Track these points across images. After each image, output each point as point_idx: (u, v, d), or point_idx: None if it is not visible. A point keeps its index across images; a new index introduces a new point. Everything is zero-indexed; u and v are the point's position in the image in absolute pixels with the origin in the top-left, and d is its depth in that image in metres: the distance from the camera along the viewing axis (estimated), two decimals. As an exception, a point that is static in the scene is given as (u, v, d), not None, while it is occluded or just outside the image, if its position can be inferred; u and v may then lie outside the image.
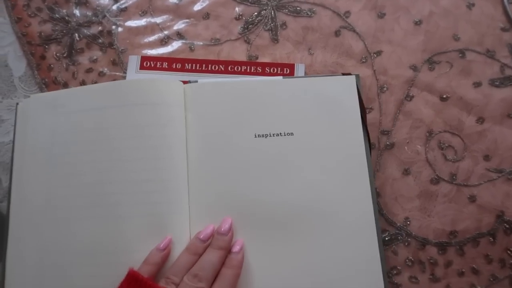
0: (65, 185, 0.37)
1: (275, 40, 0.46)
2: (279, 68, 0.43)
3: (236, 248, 0.35)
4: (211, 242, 0.35)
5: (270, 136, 0.39)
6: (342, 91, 0.41)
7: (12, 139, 0.44)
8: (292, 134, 0.39)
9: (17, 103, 0.41)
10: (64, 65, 0.46)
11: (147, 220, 0.35)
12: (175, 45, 0.46)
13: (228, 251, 0.35)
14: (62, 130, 0.38)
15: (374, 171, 0.42)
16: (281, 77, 0.41)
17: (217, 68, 0.43)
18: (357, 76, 0.41)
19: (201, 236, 0.35)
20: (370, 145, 0.40)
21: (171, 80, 0.39)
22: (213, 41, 0.46)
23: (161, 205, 0.36)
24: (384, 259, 0.37)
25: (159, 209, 0.36)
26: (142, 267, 0.33)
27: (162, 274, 0.33)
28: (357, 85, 0.41)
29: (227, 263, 0.34)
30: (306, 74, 0.44)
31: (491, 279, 0.40)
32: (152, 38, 0.47)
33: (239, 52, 0.46)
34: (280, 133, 0.39)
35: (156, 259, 0.33)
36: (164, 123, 0.37)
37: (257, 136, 0.39)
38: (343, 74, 0.42)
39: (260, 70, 0.43)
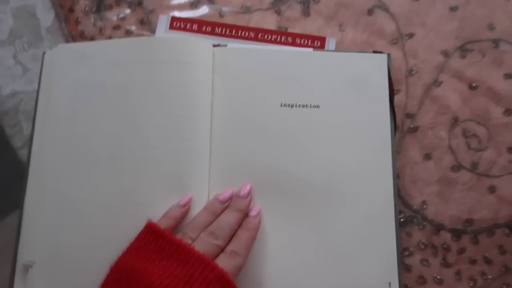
0: (88, 136, 0.37)
1: (306, 13, 0.45)
2: (310, 40, 0.42)
3: (253, 212, 0.35)
4: (230, 204, 0.35)
5: (296, 106, 0.39)
6: (372, 69, 0.40)
7: (35, 88, 0.44)
8: (318, 107, 0.39)
9: (44, 52, 0.41)
10: (92, 20, 0.46)
11: (167, 177, 0.35)
12: (205, 9, 0.46)
13: (245, 214, 0.35)
14: (88, 81, 0.38)
15: (396, 153, 0.42)
16: (311, 49, 0.41)
17: (247, 34, 0.42)
18: (389, 55, 0.41)
19: (220, 198, 0.35)
20: (395, 127, 0.40)
21: (201, 41, 0.38)
22: (243, 8, 0.46)
23: (181, 164, 0.36)
24: (399, 240, 0.37)
25: (180, 167, 0.36)
26: (160, 220, 0.33)
27: (179, 229, 0.34)
28: (387, 64, 0.40)
29: (244, 225, 0.34)
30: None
31: (503, 270, 0.40)
32: (182, 0, 0.46)
33: (268, 23, 0.45)
34: (306, 105, 0.39)
35: (175, 214, 0.33)
36: (191, 83, 0.37)
37: (283, 105, 0.39)
38: (374, 52, 0.41)
39: (291, 40, 0.42)
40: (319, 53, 0.40)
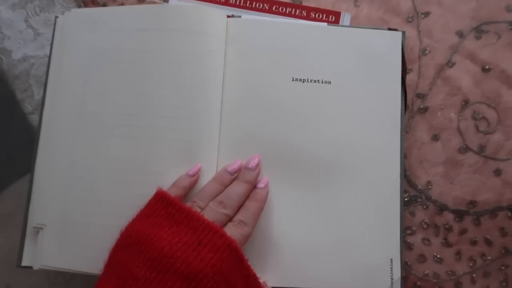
0: (99, 102, 0.37)
1: (322, -13, 0.45)
2: (324, 15, 0.42)
3: (261, 184, 0.35)
4: (238, 176, 0.35)
5: (307, 81, 0.38)
6: (386, 46, 0.40)
7: (47, 53, 0.44)
8: (329, 82, 0.39)
9: (56, 17, 0.40)
10: (105, -14, 0.45)
11: (177, 146, 0.36)
12: (219, -21, 0.45)
13: (253, 186, 0.35)
14: (100, 47, 0.38)
15: (404, 132, 0.42)
16: (326, 24, 0.40)
17: (261, 6, 0.42)
18: (403, 33, 0.40)
19: (229, 169, 0.35)
20: (405, 106, 0.40)
21: (216, 11, 0.38)
22: (258, -20, 0.45)
23: (191, 134, 0.36)
24: (402, 219, 0.38)
25: (190, 137, 0.36)
26: (170, 189, 0.33)
27: (188, 198, 0.34)
28: (402, 42, 0.40)
29: (252, 196, 0.34)
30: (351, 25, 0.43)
31: (503, 252, 0.41)
32: (196, -30, 0.45)
33: (283, -5, 0.45)
34: (318, 80, 0.39)
35: (185, 183, 0.34)
36: (204, 53, 0.37)
37: (294, 79, 0.38)
38: (389, 29, 0.40)
39: (305, 14, 0.42)
40: (333, 28, 0.40)
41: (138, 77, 0.37)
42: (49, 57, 0.40)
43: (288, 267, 0.36)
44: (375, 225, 0.37)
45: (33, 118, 0.43)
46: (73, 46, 0.39)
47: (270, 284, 0.35)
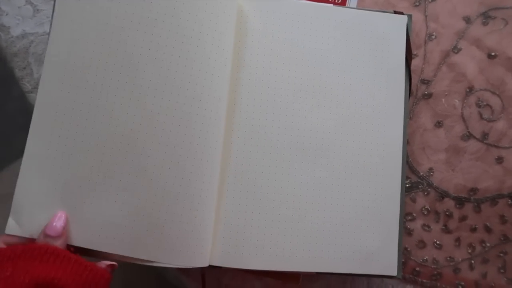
0: (98, 82, 0.36)
1: (328, -32, 0.44)
2: (331, -4, 0.41)
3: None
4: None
5: (312, 62, 0.38)
6: (391, 30, 0.39)
7: (46, 30, 0.43)
8: (333, 63, 0.38)
9: None
10: (106, -38, 0.44)
11: (182, 119, 0.34)
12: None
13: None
14: (99, 20, 0.36)
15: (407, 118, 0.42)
16: (332, 4, 0.39)
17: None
18: (409, 17, 0.40)
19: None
20: (410, 90, 0.40)
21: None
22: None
23: (196, 117, 0.35)
24: (403, 204, 0.38)
25: (195, 119, 0.35)
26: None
27: None
28: (407, 26, 0.39)
29: None
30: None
31: (502, 239, 0.41)
32: None
33: (288, -24, 0.44)
34: (322, 61, 0.38)
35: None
36: (212, 30, 0.36)
37: (300, 60, 0.38)
38: (395, 12, 0.40)
39: (311, -5, 0.41)
40: (339, 9, 0.39)
41: (137, 47, 0.35)
42: (49, 34, 0.39)
43: (288, 251, 0.36)
44: (375, 210, 0.37)
45: (32, 97, 0.43)
46: (73, 23, 0.37)
47: (268, 267, 0.35)
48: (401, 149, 0.38)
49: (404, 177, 0.38)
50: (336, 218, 0.37)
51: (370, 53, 0.39)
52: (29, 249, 0.30)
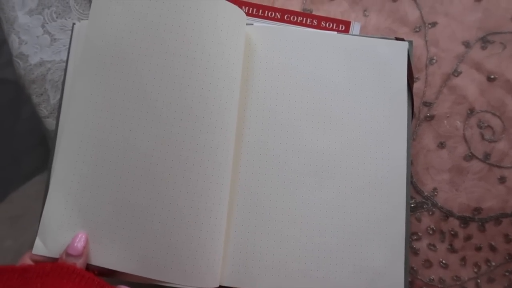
0: (120, 91, 0.37)
1: (331, -4, 0.46)
2: (335, 24, 0.43)
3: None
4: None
5: (316, 87, 0.40)
6: (393, 55, 0.41)
7: (62, 58, 0.45)
8: (338, 88, 0.40)
9: (74, 23, 0.41)
10: (120, -7, 0.46)
11: (197, 132, 0.36)
12: (231, -12, 0.46)
13: None
14: (120, 32, 0.37)
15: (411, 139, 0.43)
16: (335, 32, 0.41)
17: (273, 15, 0.43)
18: (410, 43, 0.42)
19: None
20: (412, 113, 0.41)
21: (239, 10, 0.38)
22: (269, -11, 0.46)
23: (207, 142, 0.37)
24: (409, 224, 0.39)
25: (207, 144, 0.36)
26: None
27: None
28: (408, 52, 0.41)
29: None
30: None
31: (507, 258, 0.41)
32: (208, -22, 0.47)
33: (293, 4, 0.46)
34: (327, 86, 0.40)
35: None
36: (222, 49, 0.37)
37: (305, 85, 0.39)
38: (397, 39, 0.42)
39: (316, 23, 0.43)
40: (343, 36, 0.41)
41: (153, 70, 0.37)
42: (66, 61, 0.41)
43: (296, 271, 0.37)
44: (381, 230, 0.38)
45: (49, 122, 0.44)
46: (96, 25, 0.37)
47: (277, 285, 0.36)
48: (405, 169, 0.39)
49: (409, 197, 0.39)
50: (343, 239, 0.38)
51: (373, 78, 0.40)
52: (57, 267, 0.32)
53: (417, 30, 0.45)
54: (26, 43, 0.45)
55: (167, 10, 0.37)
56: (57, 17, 0.46)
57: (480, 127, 0.43)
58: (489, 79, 0.44)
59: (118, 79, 0.37)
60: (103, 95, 0.37)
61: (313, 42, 0.40)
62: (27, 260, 0.35)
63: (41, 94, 0.45)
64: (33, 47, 0.45)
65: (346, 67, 0.40)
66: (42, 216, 0.36)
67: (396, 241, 0.38)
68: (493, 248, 0.42)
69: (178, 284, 0.35)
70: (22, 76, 0.45)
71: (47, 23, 0.45)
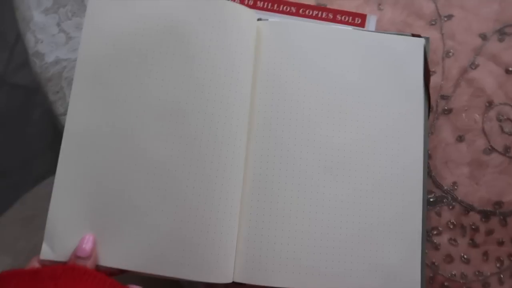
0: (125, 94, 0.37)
1: (345, -9, 0.46)
2: (350, 17, 0.43)
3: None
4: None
5: (333, 84, 0.39)
6: (409, 52, 0.40)
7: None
8: (354, 84, 0.39)
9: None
10: (134, -9, 0.46)
11: (208, 132, 0.36)
12: (245, -16, 0.46)
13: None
14: (127, 31, 0.37)
15: (429, 133, 0.43)
16: (351, 27, 0.41)
17: (288, 9, 0.43)
18: (427, 40, 0.41)
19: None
20: (429, 108, 0.40)
21: (248, 10, 0.38)
22: (283, -15, 0.46)
23: (218, 123, 0.37)
24: (425, 220, 0.38)
25: (217, 125, 0.36)
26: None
27: None
28: (425, 48, 0.41)
29: None
30: (376, 29, 0.44)
31: (530, 252, 0.41)
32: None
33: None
34: (343, 82, 0.39)
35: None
36: (232, 50, 0.37)
37: (321, 82, 0.39)
38: (413, 35, 0.41)
39: (332, 16, 0.43)
40: (359, 32, 0.40)
41: (163, 68, 0.37)
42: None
43: (310, 268, 0.36)
44: (397, 226, 0.38)
45: (65, 119, 0.44)
46: (98, 33, 0.38)
47: (291, 284, 0.35)
48: (421, 166, 0.39)
49: (425, 193, 0.39)
50: (358, 236, 0.37)
51: (389, 75, 0.40)
52: (69, 269, 0.32)
53: (433, 23, 0.45)
54: (42, 42, 0.45)
55: (172, 14, 0.37)
56: (72, 16, 0.46)
57: (500, 120, 0.43)
58: (507, 72, 0.43)
59: (119, 79, 0.37)
60: (104, 96, 0.37)
61: (328, 37, 0.40)
62: (35, 264, 0.34)
63: (57, 92, 0.45)
64: (49, 45, 0.45)
65: (361, 63, 0.40)
66: (48, 220, 0.36)
67: (412, 238, 0.38)
68: (515, 243, 0.41)
69: (191, 279, 0.34)
70: (38, 74, 0.45)
71: (63, 22, 0.46)
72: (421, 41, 0.41)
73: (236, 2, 0.44)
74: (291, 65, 0.39)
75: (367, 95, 0.39)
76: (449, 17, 0.45)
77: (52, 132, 0.99)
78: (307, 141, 0.38)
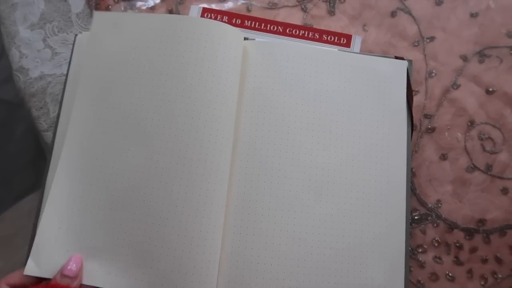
0: (115, 110, 0.38)
1: (331, 12, 0.47)
2: (336, 37, 0.43)
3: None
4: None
5: (317, 103, 0.40)
6: (393, 74, 0.41)
7: (63, 72, 0.45)
8: (338, 104, 0.40)
9: (76, 35, 0.41)
10: (122, 8, 0.47)
11: (191, 151, 0.36)
12: (233, 3, 0.47)
13: None
14: (118, 53, 0.38)
15: (413, 151, 0.43)
16: (337, 49, 0.42)
17: (275, 29, 0.44)
18: (410, 62, 0.42)
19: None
20: (412, 129, 0.41)
21: (234, 30, 0.39)
22: (270, 4, 0.47)
23: (204, 142, 0.36)
24: (408, 240, 0.38)
25: (202, 143, 0.36)
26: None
27: None
28: (408, 70, 0.42)
29: None
30: (361, 49, 0.45)
31: (513, 270, 0.41)
32: (210, -6, 0.47)
33: (294, 19, 0.46)
34: (327, 102, 0.40)
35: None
36: (218, 70, 0.38)
37: (306, 101, 0.40)
38: (396, 57, 0.42)
39: (318, 36, 0.43)
40: (344, 53, 0.41)
41: (151, 87, 0.37)
42: (67, 74, 0.41)
43: (291, 286, 0.36)
44: (381, 245, 0.38)
45: (48, 136, 0.44)
46: (92, 51, 0.39)
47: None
48: (405, 185, 0.39)
49: (409, 213, 0.39)
50: (342, 256, 0.37)
51: (373, 96, 0.41)
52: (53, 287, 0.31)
53: (416, 44, 0.46)
54: (26, 57, 0.45)
55: (161, 35, 0.38)
56: (58, 31, 0.46)
57: (481, 139, 0.44)
58: (488, 92, 0.45)
59: (112, 101, 0.38)
60: (98, 118, 0.38)
61: (314, 58, 0.40)
62: (3, 286, 0.34)
63: (41, 108, 0.44)
64: (33, 61, 0.45)
65: (346, 83, 0.41)
66: (36, 235, 0.36)
67: (395, 257, 0.38)
68: (499, 260, 0.41)
69: None
70: (22, 89, 0.44)
71: (49, 37, 0.45)
72: (404, 63, 0.42)
73: (224, 21, 0.45)
74: (277, 84, 0.39)
75: (351, 116, 0.40)
76: (432, 38, 0.46)
77: (34, 148, 0.98)
78: (292, 160, 0.38)
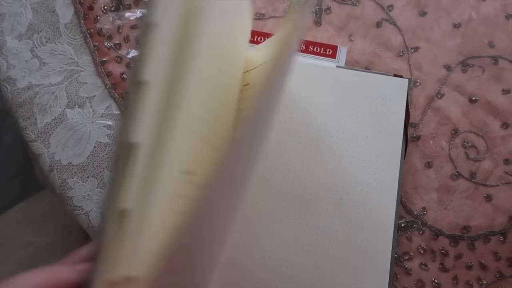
0: None
1: (318, 22, 0.47)
2: (322, 48, 0.44)
3: None
4: None
5: (315, 118, 0.40)
6: (392, 92, 0.42)
7: (51, 82, 0.45)
8: (334, 119, 0.41)
9: None
10: (111, 19, 0.47)
11: None
12: (220, 14, 0.47)
13: None
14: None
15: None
16: (335, 65, 0.43)
17: (262, 40, 0.44)
18: (410, 80, 0.43)
19: None
20: (406, 146, 0.42)
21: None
22: (257, 15, 0.47)
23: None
24: (395, 245, 0.39)
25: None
26: None
27: None
28: (407, 88, 0.43)
29: None
30: (346, 59, 0.46)
31: (497, 276, 0.42)
32: (198, 5, 0.48)
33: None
34: (324, 117, 0.41)
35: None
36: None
37: (302, 116, 0.40)
38: (395, 75, 0.43)
39: (304, 47, 0.44)
40: (342, 69, 0.42)
41: None
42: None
43: None
44: (367, 260, 0.39)
45: (35, 146, 0.43)
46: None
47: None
48: (395, 201, 0.40)
49: (397, 218, 0.40)
50: (332, 270, 0.38)
51: (371, 112, 0.42)
52: None
53: (401, 54, 0.47)
54: (14, 67, 0.45)
55: None
56: (46, 42, 0.46)
57: (465, 147, 0.45)
58: (471, 101, 0.46)
59: None
60: None
61: (311, 74, 0.41)
62: None
63: (28, 118, 0.44)
64: (21, 71, 0.45)
65: (344, 100, 0.41)
66: None
67: (382, 270, 0.39)
68: (483, 267, 0.42)
69: None
70: (10, 100, 0.44)
71: (37, 48, 0.45)
72: (405, 81, 0.43)
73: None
74: (270, 99, 0.40)
75: (347, 132, 0.41)
76: (416, 49, 0.47)
77: (22, 157, 0.97)
78: (288, 172, 0.39)
